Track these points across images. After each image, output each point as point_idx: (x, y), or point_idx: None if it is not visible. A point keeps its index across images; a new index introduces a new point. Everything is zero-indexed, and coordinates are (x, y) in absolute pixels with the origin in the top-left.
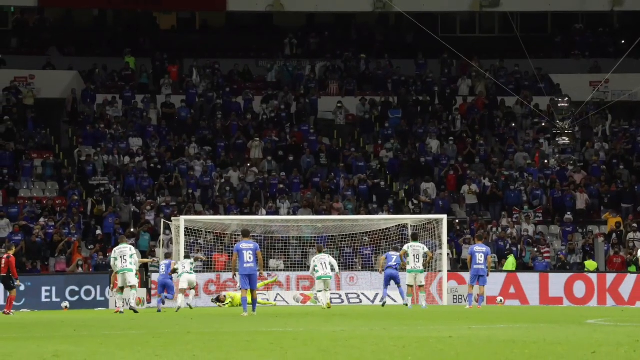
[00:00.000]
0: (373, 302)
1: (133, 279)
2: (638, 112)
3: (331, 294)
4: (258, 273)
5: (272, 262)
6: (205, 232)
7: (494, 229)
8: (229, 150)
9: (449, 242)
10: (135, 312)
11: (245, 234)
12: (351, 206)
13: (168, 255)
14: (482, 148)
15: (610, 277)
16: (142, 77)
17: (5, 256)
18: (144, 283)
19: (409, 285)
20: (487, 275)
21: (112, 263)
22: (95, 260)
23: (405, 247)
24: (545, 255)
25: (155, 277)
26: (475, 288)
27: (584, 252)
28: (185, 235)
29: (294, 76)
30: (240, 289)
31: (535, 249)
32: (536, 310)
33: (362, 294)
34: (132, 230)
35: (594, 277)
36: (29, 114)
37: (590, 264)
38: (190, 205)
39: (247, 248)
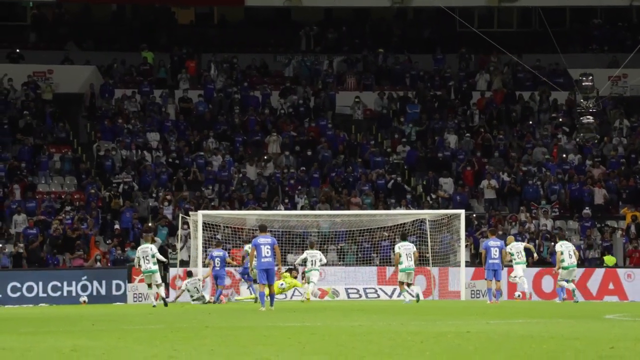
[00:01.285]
0: (391, 297)
1: (158, 278)
2: None
3: (349, 288)
4: (276, 268)
5: (290, 257)
6: (224, 226)
7: (513, 224)
8: (247, 145)
9: (466, 237)
10: (166, 305)
11: (263, 228)
12: (369, 201)
13: (219, 244)
14: (501, 143)
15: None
16: (160, 71)
17: None
18: (163, 278)
19: (400, 283)
20: (503, 269)
21: (135, 262)
22: (113, 255)
23: (396, 248)
24: None
25: (173, 272)
26: (492, 283)
27: (602, 248)
28: (203, 230)
29: (312, 71)
30: (258, 283)
31: (553, 244)
32: (554, 306)
33: (380, 288)
34: (149, 224)
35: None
36: (48, 108)
37: (609, 259)
38: (208, 200)
39: (264, 243)
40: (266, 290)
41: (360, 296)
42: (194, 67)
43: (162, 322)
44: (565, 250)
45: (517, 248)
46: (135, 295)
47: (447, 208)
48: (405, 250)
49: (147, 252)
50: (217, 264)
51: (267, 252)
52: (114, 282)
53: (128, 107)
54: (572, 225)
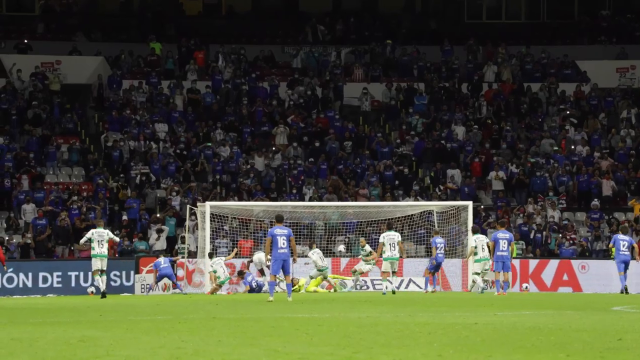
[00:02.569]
0: (398, 288)
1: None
2: None
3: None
4: (292, 259)
5: (298, 248)
6: (231, 218)
7: (520, 215)
8: (255, 136)
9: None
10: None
11: (280, 219)
12: (376, 192)
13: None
14: (508, 134)
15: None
16: (168, 63)
17: None
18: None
19: (384, 272)
20: (510, 261)
21: (83, 240)
22: (120, 246)
23: (381, 238)
24: (571, 241)
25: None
26: (500, 274)
27: (609, 239)
28: (211, 221)
29: (320, 62)
30: (271, 274)
31: (561, 235)
32: (561, 297)
33: (388, 280)
34: (157, 215)
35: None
36: (55, 99)
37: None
38: (215, 191)
39: (281, 234)
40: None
41: (368, 288)
42: (202, 58)
43: (169, 313)
44: (479, 244)
45: (480, 241)
46: (142, 286)
47: (454, 199)
48: (389, 240)
49: (102, 237)
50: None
51: (284, 243)
52: (122, 273)
53: (136, 98)
54: (579, 217)
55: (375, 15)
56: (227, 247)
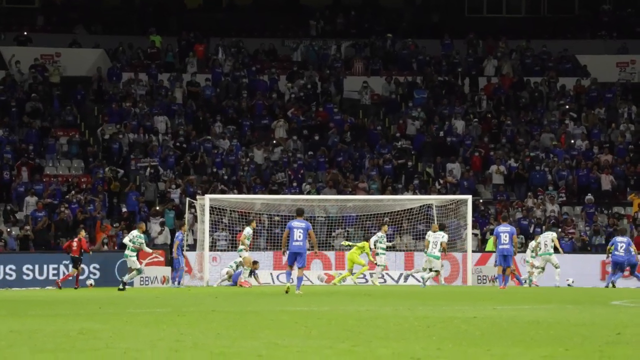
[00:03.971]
0: (397, 281)
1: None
2: None
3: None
4: (311, 251)
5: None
6: (230, 210)
7: (520, 209)
8: (254, 129)
9: (473, 222)
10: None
11: (300, 212)
12: (376, 186)
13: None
14: (508, 128)
15: None
16: (168, 56)
17: (76, 238)
18: (169, 262)
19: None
20: (515, 254)
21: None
22: (120, 239)
23: (427, 236)
24: (571, 236)
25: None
26: (502, 268)
27: (607, 234)
28: (210, 213)
29: (320, 56)
30: (288, 265)
31: (560, 230)
32: (561, 291)
33: (387, 273)
34: (157, 208)
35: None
36: (55, 91)
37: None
38: (215, 184)
39: (298, 227)
40: (293, 272)
41: (367, 281)
42: (202, 51)
43: (169, 305)
44: (542, 240)
45: (434, 237)
46: (142, 279)
47: (454, 193)
48: (434, 238)
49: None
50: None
51: (300, 236)
52: (121, 265)
53: (135, 91)
54: (579, 212)
55: (376, 8)
56: (226, 239)
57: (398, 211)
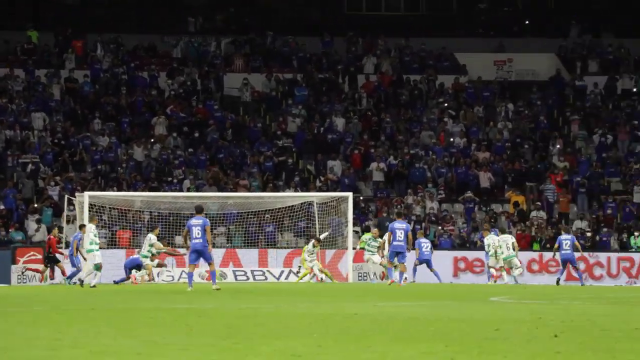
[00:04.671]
0: (278, 279)
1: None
2: (541, 91)
3: (237, 270)
4: (207, 248)
5: (178, 239)
6: (109, 208)
7: (400, 207)
8: (134, 125)
9: (354, 219)
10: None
11: (199, 210)
12: (257, 183)
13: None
14: (388, 126)
15: None
16: (45, 51)
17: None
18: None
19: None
20: (409, 251)
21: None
22: None
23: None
24: (449, 232)
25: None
26: (392, 264)
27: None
28: (89, 211)
29: (200, 52)
30: (189, 264)
31: (440, 227)
32: (441, 288)
33: (268, 271)
34: (35, 205)
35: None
36: None
37: None
38: (94, 181)
39: (196, 224)
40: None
41: (248, 278)
42: (80, 47)
43: (47, 303)
44: (504, 244)
45: (504, 241)
46: (19, 277)
47: (335, 190)
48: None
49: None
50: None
51: (198, 234)
52: None
53: (12, 87)
54: (458, 208)
55: (255, 5)
56: (105, 237)
57: (279, 208)
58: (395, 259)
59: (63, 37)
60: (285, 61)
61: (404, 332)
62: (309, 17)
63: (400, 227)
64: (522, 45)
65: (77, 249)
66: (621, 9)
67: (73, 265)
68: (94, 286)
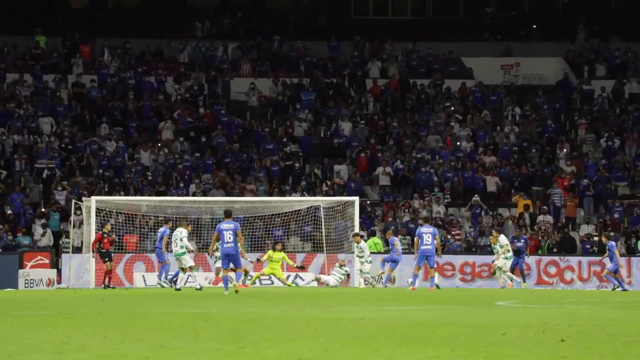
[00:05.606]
0: (284, 283)
1: (188, 261)
2: (548, 95)
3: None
4: (239, 252)
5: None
6: (117, 212)
7: (406, 211)
8: (141, 130)
9: (360, 223)
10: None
11: (228, 214)
12: (263, 187)
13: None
14: (395, 130)
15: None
16: (53, 56)
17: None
18: (55, 264)
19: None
20: (439, 256)
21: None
22: (4, 241)
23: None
24: (456, 237)
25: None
26: (418, 269)
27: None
28: (96, 215)
29: (207, 57)
30: (222, 268)
31: (446, 232)
32: (447, 293)
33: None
34: (42, 210)
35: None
36: None
37: None
38: (101, 186)
39: (227, 228)
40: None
41: (255, 283)
42: (87, 51)
43: (54, 308)
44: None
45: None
46: (26, 281)
47: (341, 195)
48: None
49: (176, 236)
50: None
51: (230, 238)
52: (5, 267)
53: (20, 92)
54: (464, 213)
55: (263, 10)
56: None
57: (286, 213)
58: (425, 262)
59: (70, 42)
60: (292, 66)
61: (410, 336)
62: (316, 22)
63: (427, 231)
64: (529, 49)
65: (166, 245)
66: (629, 13)
67: (161, 259)
68: (179, 289)
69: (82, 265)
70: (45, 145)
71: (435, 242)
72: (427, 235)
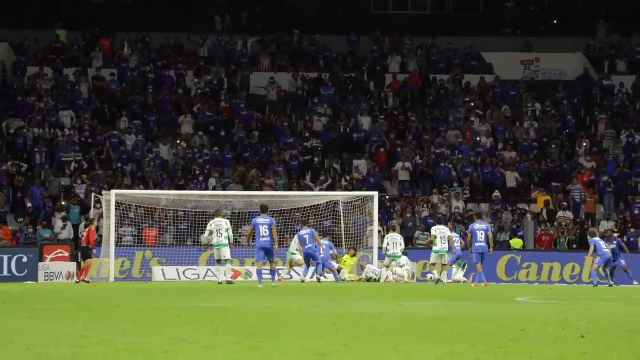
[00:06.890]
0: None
1: (228, 254)
2: (568, 90)
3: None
4: (274, 247)
5: (204, 238)
6: (136, 206)
7: (425, 206)
8: (161, 124)
9: (379, 219)
10: (232, 283)
11: (264, 209)
12: (282, 182)
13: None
14: (414, 125)
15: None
16: (74, 50)
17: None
18: (73, 257)
19: (432, 264)
20: (490, 253)
21: (206, 234)
22: (25, 234)
23: (433, 231)
24: None
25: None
26: (480, 266)
27: (511, 231)
28: (116, 209)
29: (227, 51)
30: (256, 262)
31: (465, 227)
32: (465, 288)
33: (293, 270)
34: (62, 203)
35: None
36: None
37: (515, 242)
38: (120, 179)
39: (263, 223)
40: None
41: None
42: (108, 45)
43: (73, 301)
44: (440, 235)
45: (441, 232)
46: (46, 274)
47: (360, 190)
48: (440, 233)
49: (221, 226)
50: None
51: (266, 232)
52: (25, 260)
53: (40, 85)
54: (484, 208)
55: (282, 4)
56: (132, 235)
57: (305, 207)
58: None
59: (91, 36)
60: (311, 60)
61: (429, 331)
62: (335, 16)
63: (480, 227)
64: (549, 44)
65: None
66: None
67: (315, 260)
68: (228, 282)
69: (101, 259)
70: (66, 139)
71: (488, 238)
72: (481, 232)
